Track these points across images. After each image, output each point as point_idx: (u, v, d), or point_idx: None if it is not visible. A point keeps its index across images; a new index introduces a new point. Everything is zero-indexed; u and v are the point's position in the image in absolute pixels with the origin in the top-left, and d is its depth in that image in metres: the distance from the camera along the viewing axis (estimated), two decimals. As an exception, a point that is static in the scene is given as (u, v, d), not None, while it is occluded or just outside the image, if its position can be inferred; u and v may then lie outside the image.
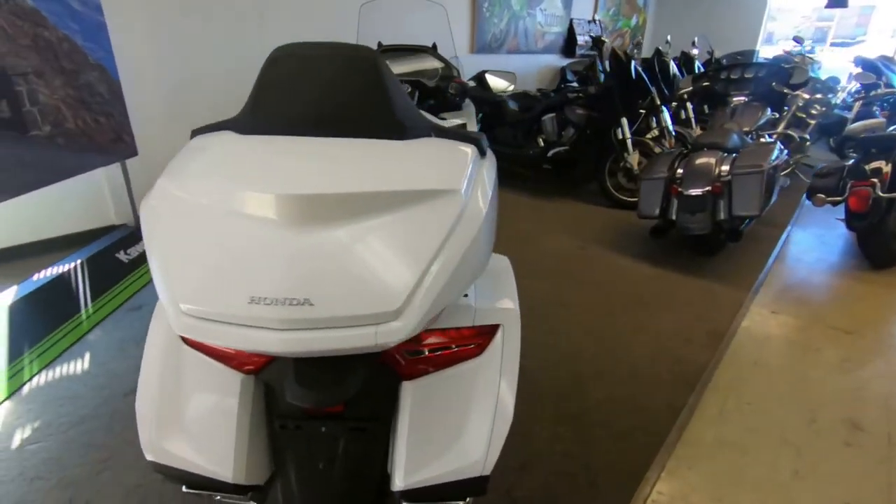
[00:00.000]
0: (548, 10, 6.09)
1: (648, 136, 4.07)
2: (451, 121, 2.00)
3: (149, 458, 0.92)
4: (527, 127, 4.36)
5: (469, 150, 0.90)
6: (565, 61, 6.63)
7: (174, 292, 0.71)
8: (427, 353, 0.95)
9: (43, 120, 2.20)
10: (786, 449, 1.59)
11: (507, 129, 4.44)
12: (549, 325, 2.28)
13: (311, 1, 3.45)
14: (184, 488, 0.97)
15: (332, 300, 0.68)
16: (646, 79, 3.83)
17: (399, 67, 2.14)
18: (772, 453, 1.58)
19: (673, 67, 4.46)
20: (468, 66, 5.01)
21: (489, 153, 1.03)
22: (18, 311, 2.02)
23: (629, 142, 3.81)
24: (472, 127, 2.03)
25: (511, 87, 2.14)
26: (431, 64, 2.14)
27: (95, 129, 2.51)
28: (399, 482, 0.89)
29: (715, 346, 2.14)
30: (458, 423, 0.92)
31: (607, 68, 3.84)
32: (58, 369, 1.94)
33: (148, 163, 3.15)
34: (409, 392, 0.93)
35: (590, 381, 1.90)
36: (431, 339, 0.95)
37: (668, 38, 5.22)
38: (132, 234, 2.81)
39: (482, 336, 0.98)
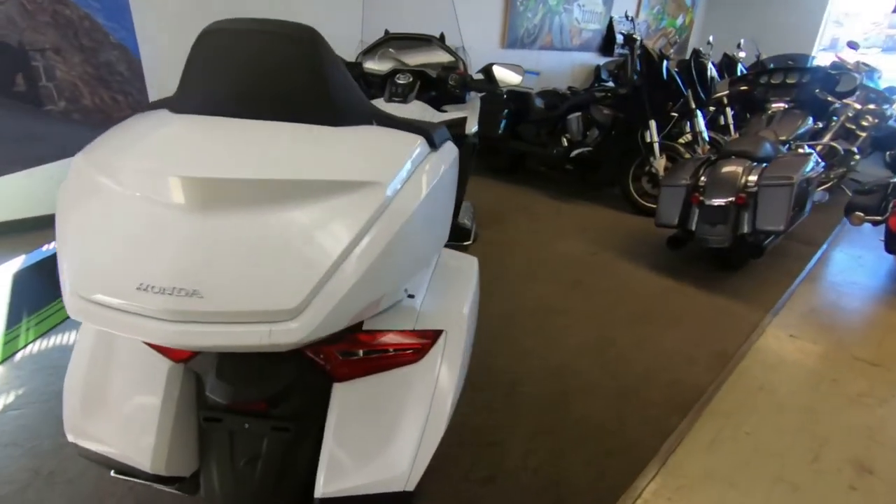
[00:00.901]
0: (586, 7, 5.90)
1: (681, 140, 3.88)
2: (452, 114, 1.93)
3: (70, 439, 0.90)
4: (552, 125, 4.23)
5: (411, 141, 0.84)
6: (602, 60, 6.41)
7: (70, 273, 0.68)
8: (362, 354, 0.89)
9: (59, 95, 2.26)
10: (780, 487, 1.46)
11: (531, 126, 4.32)
12: (545, 332, 2.19)
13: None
14: (112, 473, 0.95)
15: (223, 293, 0.63)
16: (679, 81, 3.64)
17: (404, 57, 2.08)
18: (764, 491, 1.45)
19: (712, 70, 4.22)
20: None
21: (447, 146, 0.96)
22: (22, 280, 2.08)
23: (656, 146, 3.63)
24: (473, 121, 1.95)
25: (519, 80, 2.05)
26: (437, 54, 2.07)
27: (113, 106, 2.57)
28: (319, 489, 0.84)
29: (720, 369, 2.00)
30: (387, 434, 0.87)
31: (637, 67, 3.66)
32: (52, 339, 1.99)
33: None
34: (340, 395, 0.88)
35: (576, 396, 1.80)
36: (367, 341, 0.89)
37: (711, 38, 4.95)
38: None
39: (423, 341, 0.91)
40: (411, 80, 1.91)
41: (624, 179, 3.85)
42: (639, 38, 3.59)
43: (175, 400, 0.90)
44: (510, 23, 5.03)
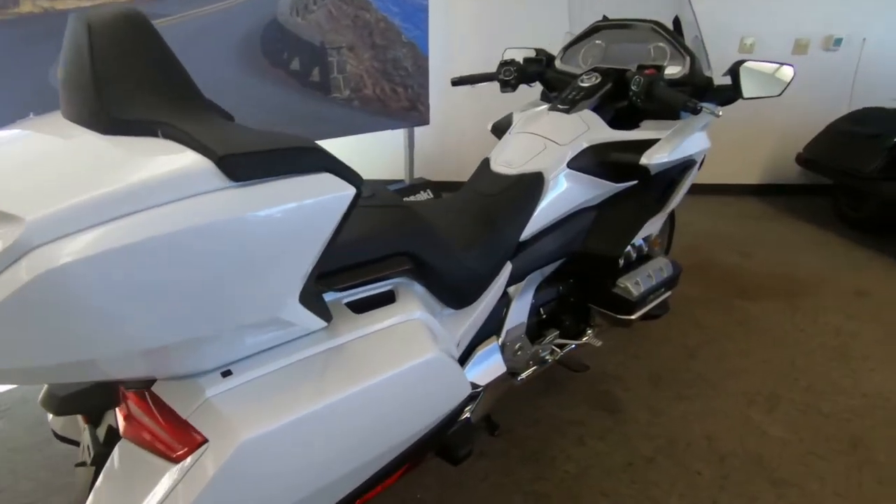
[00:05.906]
0: None
1: None
2: (634, 133, 1.32)
3: None
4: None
5: (171, 164, 0.56)
6: None
7: None
8: (146, 420, 0.71)
9: (345, 85, 2.73)
10: None
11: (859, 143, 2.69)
12: None
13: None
14: None
15: None
16: None
17: (613, 51, 1.55)
18: None
19: None
20: None
21: (294, 183, 0.62)
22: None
23: None
24: (666, 149, 1.25)
25: (780, 90, 1.22)
26: (655, 48, 1.43)
27: (392, 97, 2.95)
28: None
29: None
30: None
31: None
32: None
33: (439, 132, 3.53)
34: (116, 453, 0.74)
35: None
36: (143, 404, 0.70)
37: None
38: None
39: (187, 440, 0.66)
40: (598, 81, 1.41)
41: None
42: None
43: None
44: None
